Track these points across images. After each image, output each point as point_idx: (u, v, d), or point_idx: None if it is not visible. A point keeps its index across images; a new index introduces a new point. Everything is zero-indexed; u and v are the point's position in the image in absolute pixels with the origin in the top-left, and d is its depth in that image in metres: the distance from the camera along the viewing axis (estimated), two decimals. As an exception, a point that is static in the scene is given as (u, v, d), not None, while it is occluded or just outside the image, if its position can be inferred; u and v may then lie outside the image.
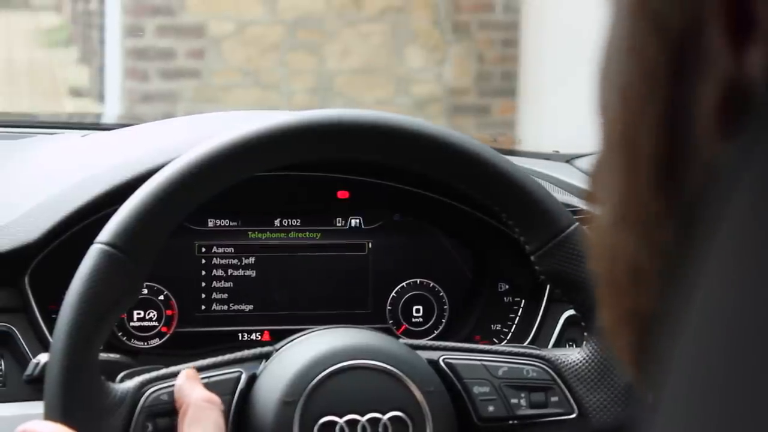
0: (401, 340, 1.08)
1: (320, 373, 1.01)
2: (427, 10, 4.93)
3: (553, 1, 4.73)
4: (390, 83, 4.94)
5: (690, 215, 0.37)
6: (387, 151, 1.06)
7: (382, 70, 4.92)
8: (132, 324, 1.25)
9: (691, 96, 0.36)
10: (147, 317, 1.26)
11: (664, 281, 0.38)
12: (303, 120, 1.04)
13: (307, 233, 1.29)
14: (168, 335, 1.27)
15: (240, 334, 1.28)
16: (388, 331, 1.26)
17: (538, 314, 1.27)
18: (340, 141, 1.05)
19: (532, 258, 1.07)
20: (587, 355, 1.07)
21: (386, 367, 1.02)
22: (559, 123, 4.23)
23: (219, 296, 1.28)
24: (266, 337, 1.29)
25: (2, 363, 1.16)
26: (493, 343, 1.17)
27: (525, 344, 1.24)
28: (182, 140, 1.18)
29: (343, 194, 1.29)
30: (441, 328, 1.32)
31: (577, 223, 1.07)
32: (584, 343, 1.08)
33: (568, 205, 1.11)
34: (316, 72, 4.87)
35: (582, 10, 4.40)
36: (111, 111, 5.02)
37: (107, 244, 0.98)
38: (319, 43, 4.86)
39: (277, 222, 1.28)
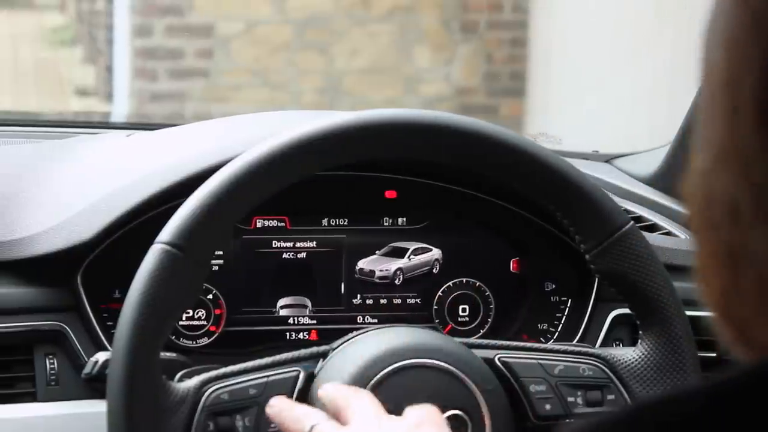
0: (456, 339, 1.08)
1: (380, 372, 1.01)
2: (436, 10, 4.93)
3: (561, 1, 4.74)
4: (398, 83, 4.95)
5: None
6: (443, 150, 1.06)
7: (391, 70, 4.92)
8: (181, 323, 1.26)
9: None
10: (196, 316, 1.26)
11: (759, 218, 0.43)
12: (361, 120, 1.04)
13: (355, 233, 1.29)
14: (216, 334, 1.27)
15: (287, 333, 1.29)
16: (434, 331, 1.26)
17: (585, 313, 1.27)
18: (394, 140, 1.06)
19: (587, 257, 1.07)
20: (643, 354, 1.07)
21: (445, 366, 1.02)
22: (567, 123, 4.24)
23: (266, 295, 1.28)
24: (313, 336, 1.29)
25: (55, 362, 1.16)
26: (540, 342, 1.18)
27: (577, 343, 1.25)
28: (235, 141, 1.19)
29: (390, 194, 1.29)
30: (487, 327, 1.33)
31: (632, 222, 1.07)
32: (639, 341, 1.08)
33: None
34: (325, 72, 4.87)
35: (590, 10, 4.41)
36: (119, 110, 5.02)
37: (169, 243, 0.98)
38: (328, 42, 4.86)
39: (324, 221, 1.29)
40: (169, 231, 0.99)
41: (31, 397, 1.16)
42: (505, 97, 4.97)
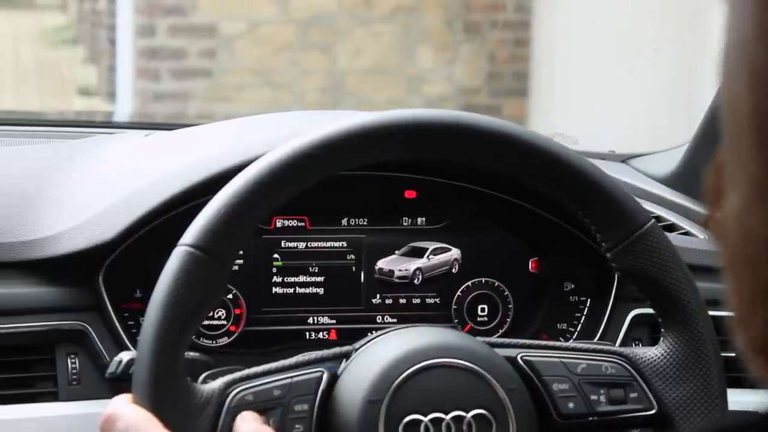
0: (479, 338, 1.08)
1: (404, 372, 1.01)
2: (439, 10, 4.94)
3: (564, 1, 4.74)
4: (401, 83, 4.95)
5: None
6: (466, 151, 1.06)
7: (394, 70, 4.92)
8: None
9: None
10: (216, 316, 1.26)
11: None
12: (384, 120, 1.04)
13: (374, 232, 1.30)
14: (236, 334, 1.27)
15: (307, 333, 1.29)
16: (453, 330, 1.26)
17: (605, 313, 1.27)
18: (415, 140, 1.05)
19: (608, 255, 1.07)
20: (665, 352, 1.07)
21: (469, 366, 1.02)
22: (570, 123, 4.24)
23: (286, 295, 1.29)
24: (333, 335, 1.30)
25: (77, 361, 1.16)
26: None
27: (598, 341, 1.25)
28: (255, 141, 1.19)
29: (410, 194, 1.30)
30: (506, 327, 1.33)
31: (653, 220, 1.07)
32: (661, 339, 1.08)
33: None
34: (328, 72, 4.87)
35: (593, 10, 4.41)
36: (122, 110, 5.02)
37: (193, 246, 0.98)
38: (331, 42, 4.86)
39: (344, 221, 1.29)
40: (192, 233, 0.98)
41: (53, 397, 1.16)
42: (507, 98, 4.98)
